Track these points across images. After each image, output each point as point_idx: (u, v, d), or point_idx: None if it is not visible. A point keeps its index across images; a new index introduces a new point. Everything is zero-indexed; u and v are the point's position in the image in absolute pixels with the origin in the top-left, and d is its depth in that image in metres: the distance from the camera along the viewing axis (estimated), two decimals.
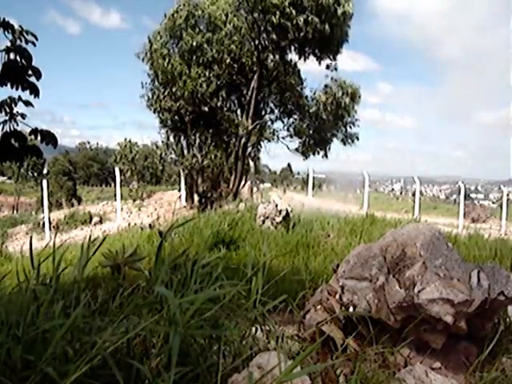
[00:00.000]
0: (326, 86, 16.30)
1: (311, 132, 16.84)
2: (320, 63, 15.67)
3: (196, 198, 16.48)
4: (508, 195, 19.10)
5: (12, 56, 2.69)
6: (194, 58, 14.19)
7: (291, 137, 17.14)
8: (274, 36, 14.01)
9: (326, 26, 13.40)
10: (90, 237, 2.12)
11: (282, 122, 17.24)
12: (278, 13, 13.05)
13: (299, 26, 13.37)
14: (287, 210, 9.04)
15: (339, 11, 13.32)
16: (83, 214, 19.03)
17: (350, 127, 16.87)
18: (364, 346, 2.45)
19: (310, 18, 13.13)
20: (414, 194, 20.64)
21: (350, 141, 17.00)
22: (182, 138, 16.33)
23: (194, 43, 14.02)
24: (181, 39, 14.39)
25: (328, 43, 14.60)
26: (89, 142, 69.43)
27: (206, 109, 14.44)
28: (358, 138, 17.11)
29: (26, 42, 2.70)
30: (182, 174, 18.87)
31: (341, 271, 2.86)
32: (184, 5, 14.32)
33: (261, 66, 15.29)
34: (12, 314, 1.70)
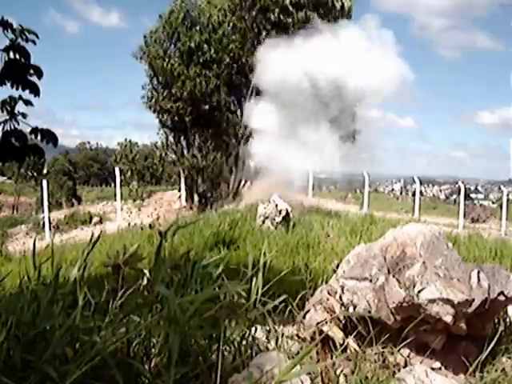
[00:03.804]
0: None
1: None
2: None
3: (196, 197, 16.48)
4: (508, 195, 19.07)
5: (12, 55, 2.69)
6: (193, 57, 14.17)
7: None
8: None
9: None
10: (94, 236, 2.12)
11: None
12: (277, 10, 13.04)
13: (299, 22, 13.36)
14: (287, 210, 9.04)
15: (337, 5, 13.30)
16: (83, 214, 19.00)
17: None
18: (364, 346, 2.45)
19: (308, 14, 13.11)
20: (414, 194, 20.62)
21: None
22: (182, 138, 16.33)
23: (192, 44, 13.99)
24: (178, 40, 14.37)
25: None
26: (89, 142, 69.15)
27: (206, 108, 14.43)
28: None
29: (27, 40, 2.69)
30: (181, 174, 18.86)
31: (341, 271, 2.86)
32: (180, 6, 14.30)
33: None
34: (12, 313, 1.70)
